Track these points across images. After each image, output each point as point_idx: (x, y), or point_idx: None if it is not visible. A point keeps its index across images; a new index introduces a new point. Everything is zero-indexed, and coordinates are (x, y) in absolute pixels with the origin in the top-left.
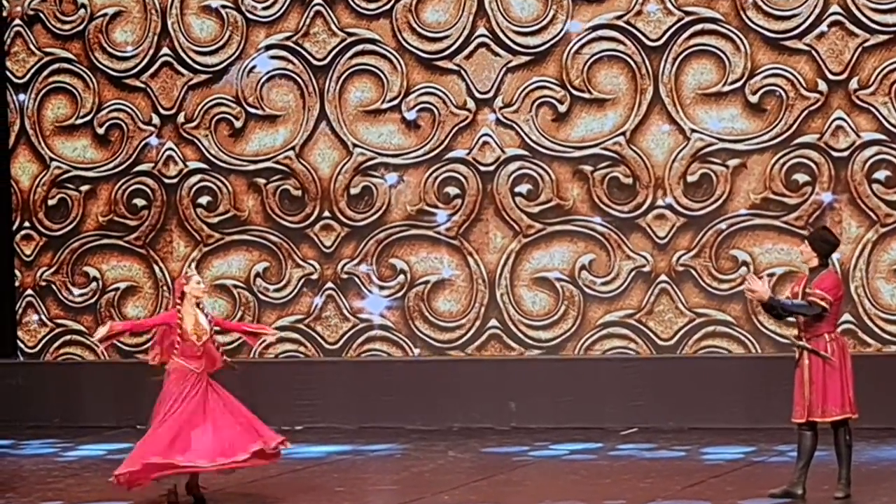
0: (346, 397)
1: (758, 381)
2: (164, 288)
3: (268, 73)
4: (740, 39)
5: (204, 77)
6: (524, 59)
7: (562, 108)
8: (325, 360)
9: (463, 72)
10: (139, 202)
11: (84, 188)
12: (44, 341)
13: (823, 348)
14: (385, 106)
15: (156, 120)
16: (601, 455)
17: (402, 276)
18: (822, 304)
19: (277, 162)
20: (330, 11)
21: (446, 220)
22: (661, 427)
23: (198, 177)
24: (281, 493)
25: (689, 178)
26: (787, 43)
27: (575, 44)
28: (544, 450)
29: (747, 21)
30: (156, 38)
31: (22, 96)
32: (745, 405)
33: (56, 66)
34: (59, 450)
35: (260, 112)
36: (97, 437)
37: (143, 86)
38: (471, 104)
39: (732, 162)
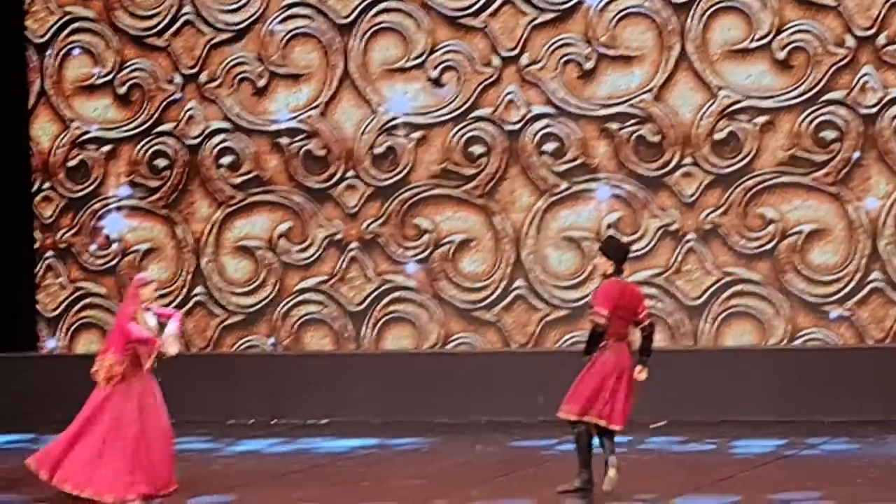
0: (371, 390)
1: (790, 373)
2: (186, 249)
3: (291, 31)
4: None
5: (226, 35)
6: (550, 15)
7: (588, 66)
8: (350, 353)
9: (488, 29)
10: (161, 163)
11: (105, 149)
12: (64, 304)
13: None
14: (409, 64)
15: (178, 79)
16: (630, 449)
17: (426, 236)
18: (595, 319)
19: (301, 121)
20: None
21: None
22: (690, 420)
23: (220, 137)
24: (304, 488)
25: (717, 136)
26: None
27: (601, 1)
28: (573, 444)
29: None
30: None
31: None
32: (776, 397)
33: (76, 24)
34: None
35: (283, 71)
36: None
37: (164, 45)
38: (496, 62)
39: (760, 119)
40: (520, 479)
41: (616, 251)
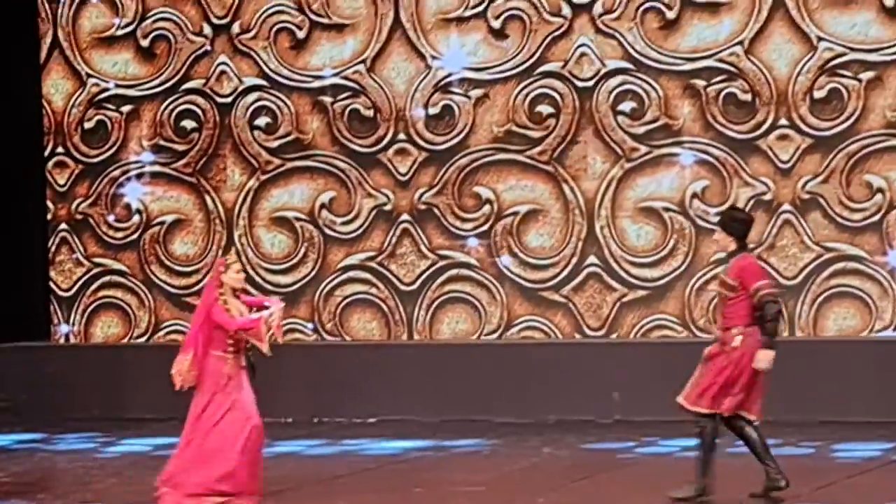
0: (424, 385)
1: None
2: (217, 222)
3: None
4: None
5: None
6: None
7: (670, 15)
8: (402, 343)
9: None
10: (188, 124)
11: (125, 109)
12: (79, 283)
13: (728, 340)
14: (468, 13)
15: (207, 30)
16: (717, 452)
17: (487, 207)
18: (769, 294)
19: (346, 77)
20: None
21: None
22: (786, 420)
23: (255, 95)
24: (352, 494)
25: (817, 94)
26: None
27: None
28: (653, 446)
29: None
30: None
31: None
32: (884, 394)
33: None
34: (99, 445)
35: (326, 21)
36: (142, 431)
37: None
38: (566, 10)
39: (866, 75)
40: (593, 486)
41: (737, 225)
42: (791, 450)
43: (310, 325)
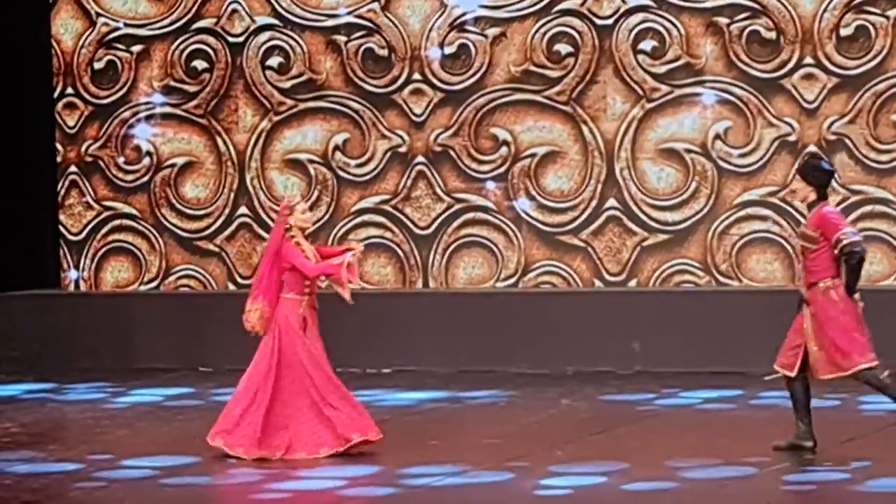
0: (441, 335)
1: None
2: (229, 164)
3: None
4: None
5: None
6: None
7: None
8: (416, 291)
9: None
10: (199, 64)
11: (136, 49)
12: (89, 227)
13: (816, 299)
14: None
15: None
16: (741, 404)
17: (504, 149)
18: (852, 240)
19: (359, 16)
20: None
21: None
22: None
23: (267, 34)
24: (366, 447)
25: (843, 32)
26: None
27: None
28: (674, 398)
29: None
30: None
31: None
32: None
33: None
34: (109, 395)
35: None
36: (153, 381)
37: None
38: None
39: (893, 12)
40: (613, 439)
41: (818, 174)
42: (817, 402)
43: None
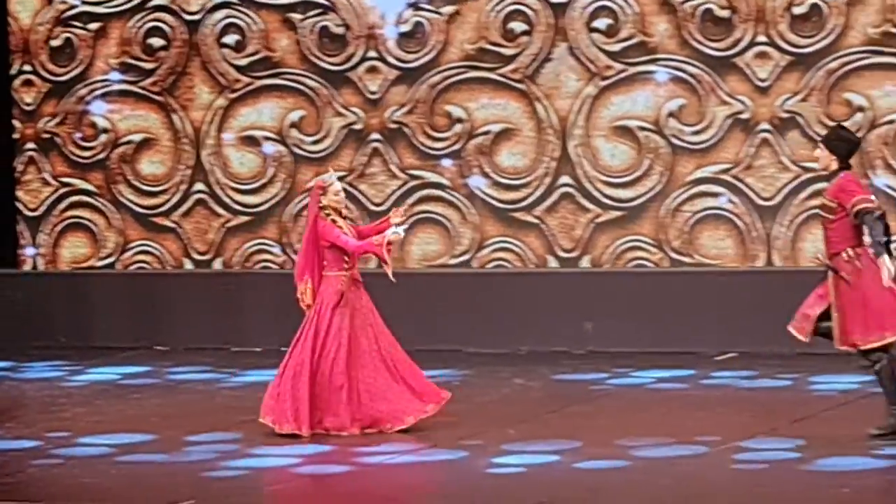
0: (394, 314)
1: None
2: (185, 140)
3: None
4: None
5: None
6: None
7: None
8: (370, 271)
9: None
10: (156, 42)
11: (93, 26)
12: (48, 203)
13: (843, 268)
14: None
15: None
16: (693, 384)
17: (458, 126)
18: (866, 206)
19: None
20: None
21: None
22: (762, 351)
23: (223, 12)
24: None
25: (796, 10)
26: None
27: None
28: (626, 377)
29: None
30: None
31: None
32: None
33: None
34: (67, 373)
35: None
36: (110, 359)
37: None
38: None
39: None
40: (566, 418)
41: (842, 144)
42: (769, 381)
43: (277, 247)
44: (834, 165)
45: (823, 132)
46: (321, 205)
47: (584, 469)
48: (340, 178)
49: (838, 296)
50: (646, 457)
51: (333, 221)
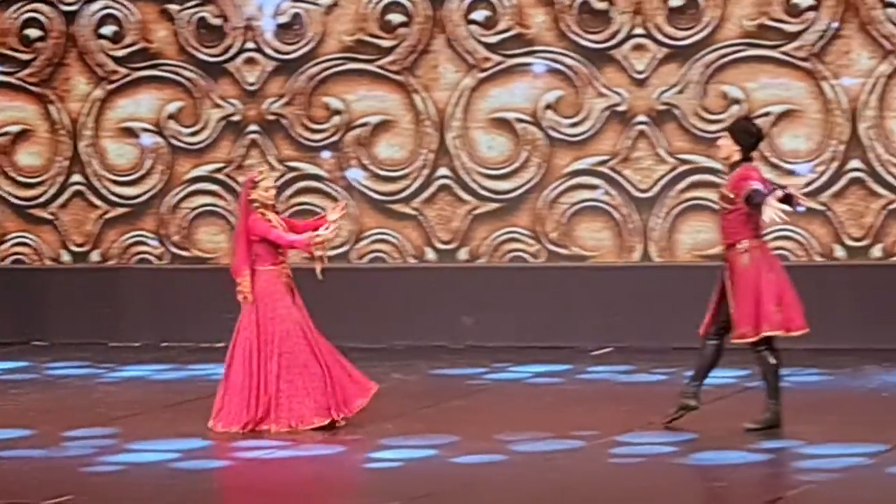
0: None
1: None
2: (62, 132)
3: None
4: None
5: None
6: None
7: None
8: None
9: None
10: (32, 33)
11: None
12: None
13: (736, 260)
14: None
15: None
16: (569, 379)
17: (337, 118)
18: (756, 188)
19: None
20: None
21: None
22: (639, 346)
23: (100, 3)
24: (196, 420)
25: (673, 3)
26: None
27: None
28: (504, 372)
29: None
30: None
31: None
32: None
33: None
34: None
35: None
36: None
37: None
38: None
39: None
40: (444, 412)
41: (747, 137)
42: (644, 377)
43: (155, 239)
44: (736, 157)
45: (700, 125)
46: (251, 198)
47: (461, 463)
48: (218, 170)
49: (731, 288)
50: (523, 451)
51: (262, 215)
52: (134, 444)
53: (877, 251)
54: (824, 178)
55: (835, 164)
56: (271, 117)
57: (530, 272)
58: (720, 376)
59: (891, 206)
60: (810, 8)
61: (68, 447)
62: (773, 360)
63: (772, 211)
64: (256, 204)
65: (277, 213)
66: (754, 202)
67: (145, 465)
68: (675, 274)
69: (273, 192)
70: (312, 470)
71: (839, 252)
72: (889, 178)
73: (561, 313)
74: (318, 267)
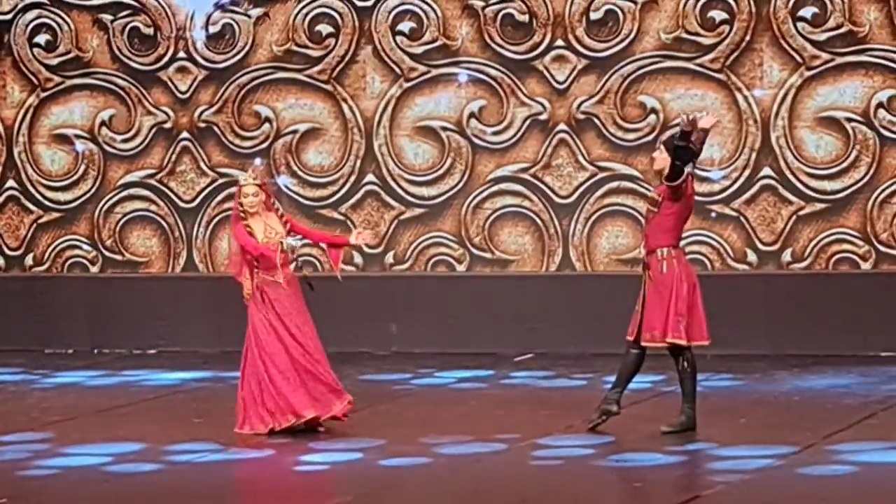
0: (205, 316)
1: None
2: None
3: None
4: None
5: None
6: None
7: None
8: (183, 276)
9: None
10: None
11: None
12: None
13: (655, 266)
14: None
15: None
16: (492, 384)
17: (266, 126)
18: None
19: None
20: None
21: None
22: (560, 352)
23: (35, 12)
24: (130, 425)
25: (593, 16)
26: None
27: None
28: (429, 377)
29: None
30: None
31: None
32: None
33: None
34: None
35: None
36: None
37: None
38: None
39: None
40: (371, 417)
41: (682, 153)
42: (564, 381)
43: (88, 244)
44: (668, 170)
45: (619, 133)
46: (240, 204)
47: (387, 466)
48: (150, 176)
49: (646, 291)
50: (448, 454)
51: (242, 219)
52: (68, 448)
53: (787, 256)
54: (737, 184)
55: (747, 172)
56: (203, 125)
57: (454, 281)
58: (637, 381)
59: (800, 213)
60: (724, 22)
61: (3, 451)
62: (686, 367)
63: (706, 121)
64: (241, 211)
65: (281, 216)
66: (678, 139)
67: (79, 469)
68: (595, 283)
69: (251, 199)
70: (243, 473)
71: (751, 256)
72: (799, 185)
73: (484, 320)
74: (278, 276)
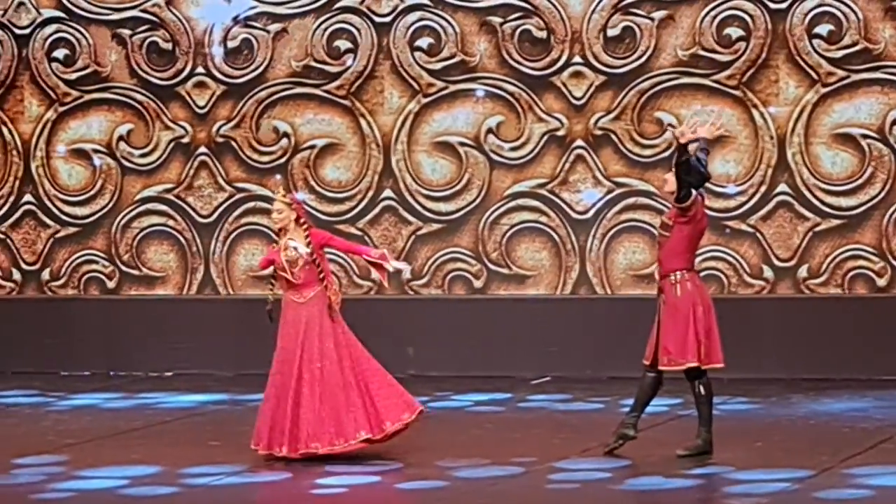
0: (222, 339)
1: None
2: (14, 153)
3: None
4: None
5: None
6: None
7: None
8: (201, 298)
9: None
10: None
11: None
12: None
13: (669, 290)
14: None
15: None
16: (509, 407)
17: (284, 141)
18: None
19: (144, 10)
20: None
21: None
22: (577, 376)
23: (53, 27)
24: (146, 448)
25: (610, 32)
26: None
27: None
28: (446, 400)
29: None
30: None
31: None
32: None
33: None
34: None
35: None
36: None
37: None
38: None
39: (658, 14)
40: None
41: (692, 180)
42: (581, 405)
43: (105, 259)
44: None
45: (636, 149)
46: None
47: (404, 489)
48: (168, 191)
49: (662, 315)
50: (465, 477)
51: (276, 242)
52: (83, 471)
53: (803, 272)
54: (753, 200)
55: (763, 188)
56: (220, 139)
57: (471, 303)
58: (654, 405)
59: (816, 229)
60: (741, 39)
61: (19, 474)
62: (702, 391)
63: (706, 130)
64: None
65: (306, 232)
66: (681, 154)
67: (94, 493)
68: (612, 306)
69: (275, 215)
70: (261, 496)
71: (767, 273)
72: (815, 202)
73: (501, 343)
74: (270, 294)
